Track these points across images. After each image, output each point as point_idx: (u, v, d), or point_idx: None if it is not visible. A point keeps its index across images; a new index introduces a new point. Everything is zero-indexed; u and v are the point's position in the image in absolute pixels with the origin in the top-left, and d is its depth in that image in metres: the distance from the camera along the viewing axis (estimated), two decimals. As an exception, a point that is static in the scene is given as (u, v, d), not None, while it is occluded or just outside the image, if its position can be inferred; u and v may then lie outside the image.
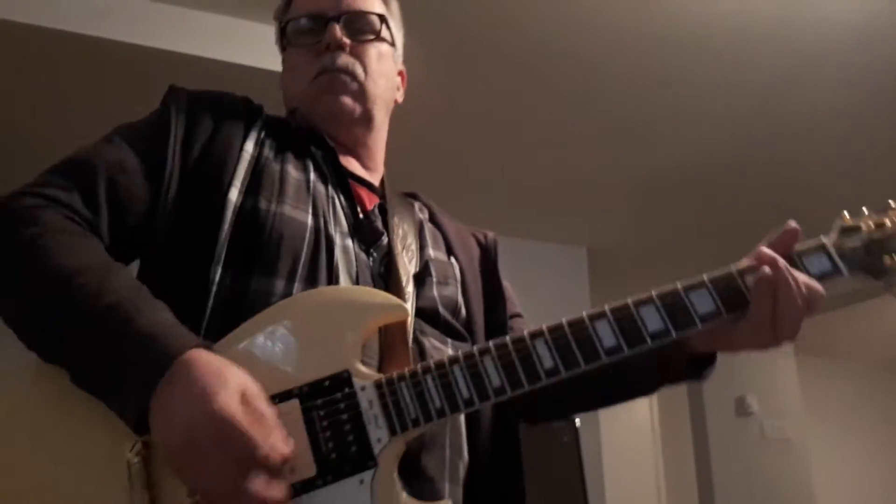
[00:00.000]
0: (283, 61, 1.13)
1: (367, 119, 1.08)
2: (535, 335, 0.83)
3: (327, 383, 0.80)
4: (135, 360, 0.73)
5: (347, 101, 1.05)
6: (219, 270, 0.86)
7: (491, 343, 0.83)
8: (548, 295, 4.05)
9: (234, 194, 0.90)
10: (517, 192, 3.76)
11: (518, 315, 1.15)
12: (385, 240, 0.99)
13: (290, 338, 0.82)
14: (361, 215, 1.00)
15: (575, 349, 0.82)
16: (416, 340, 0.93)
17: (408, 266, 0.98)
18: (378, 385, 0.80)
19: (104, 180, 0.88)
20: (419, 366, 0.82)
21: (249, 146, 0.96)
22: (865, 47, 2.72)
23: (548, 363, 0.81)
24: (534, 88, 2.94)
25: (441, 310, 0.99)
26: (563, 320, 0.83)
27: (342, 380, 0.80)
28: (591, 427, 3.77)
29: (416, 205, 1.16)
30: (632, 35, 2.64)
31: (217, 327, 0.83)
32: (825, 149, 3.39)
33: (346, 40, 1.05)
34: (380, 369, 0.85)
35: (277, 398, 0.78)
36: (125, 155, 0.91)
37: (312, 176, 0.98)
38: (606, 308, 0.84)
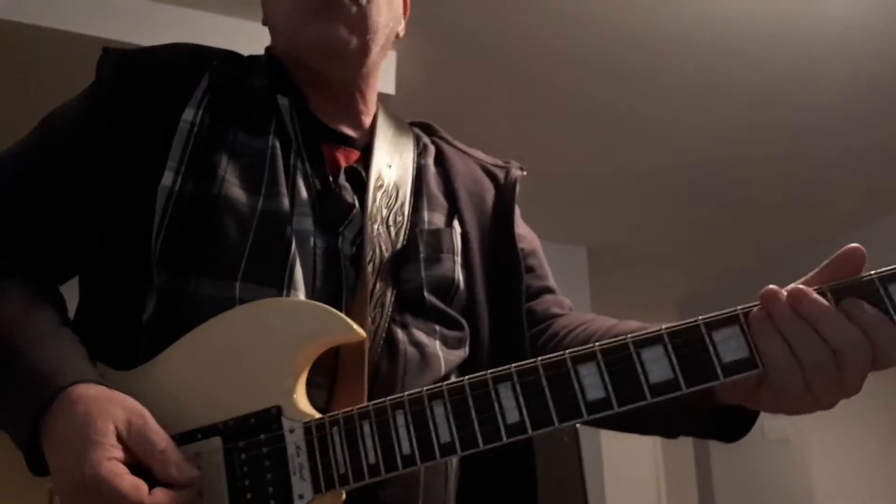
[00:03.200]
0: None
1: (362, 55, 0.87)
2: (500, 378, 0.64)
3: (252, 420, 0.67)
4: (17, 400, 0.67)
5: (343, 30, 0.83)
6: (155, 271, 0.74)
7: (444, 385, 0.65)
8: (548, 295, 4.05)
9: (168, 178, 0.77)
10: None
11: (547, 290, 0.95)
12: (358, 211, 0.82)
13: (221, 363, 0.70)
14: (329, 185, 0.83)
15: (549, 399, 0.63)
16: (390, 338, 0.78)
17: (390, 240, 0.82)
18: (308, 429, 0.66)
19: (24, 196, 0.81)
20: (356, 410, 0.67)
21: (189, 114, 0.80)
22: (866, 47, 2.72)
23: (512, 417, 0.63)
24: (534, 88, 2.94)
25: (427, 294, 0.82)
26: (538, 361, 0.64)
27: (270, 417, 0.67)
28: (591, 426, 3.77)
29: (422, 142, 0.98)
30: (633, 35, 2.64)
31: (159, 338, 0.73)
32: (826, 149, 3.39)
33: None
34: (331, 390, 0.73)
35: (200, 433, 0.68)
36: (45, 158, 0.82)
37: (272, 140, 0.82)
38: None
